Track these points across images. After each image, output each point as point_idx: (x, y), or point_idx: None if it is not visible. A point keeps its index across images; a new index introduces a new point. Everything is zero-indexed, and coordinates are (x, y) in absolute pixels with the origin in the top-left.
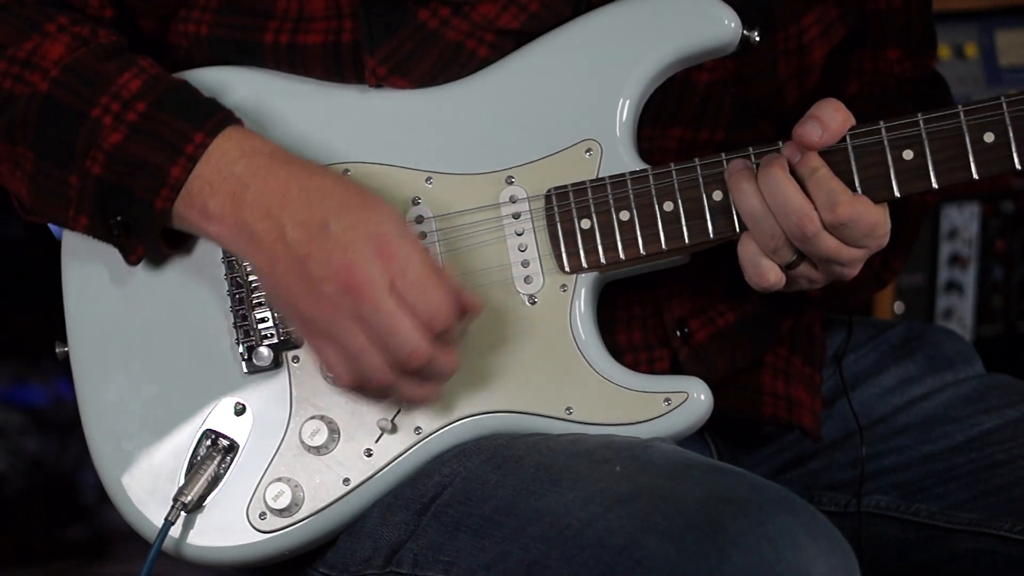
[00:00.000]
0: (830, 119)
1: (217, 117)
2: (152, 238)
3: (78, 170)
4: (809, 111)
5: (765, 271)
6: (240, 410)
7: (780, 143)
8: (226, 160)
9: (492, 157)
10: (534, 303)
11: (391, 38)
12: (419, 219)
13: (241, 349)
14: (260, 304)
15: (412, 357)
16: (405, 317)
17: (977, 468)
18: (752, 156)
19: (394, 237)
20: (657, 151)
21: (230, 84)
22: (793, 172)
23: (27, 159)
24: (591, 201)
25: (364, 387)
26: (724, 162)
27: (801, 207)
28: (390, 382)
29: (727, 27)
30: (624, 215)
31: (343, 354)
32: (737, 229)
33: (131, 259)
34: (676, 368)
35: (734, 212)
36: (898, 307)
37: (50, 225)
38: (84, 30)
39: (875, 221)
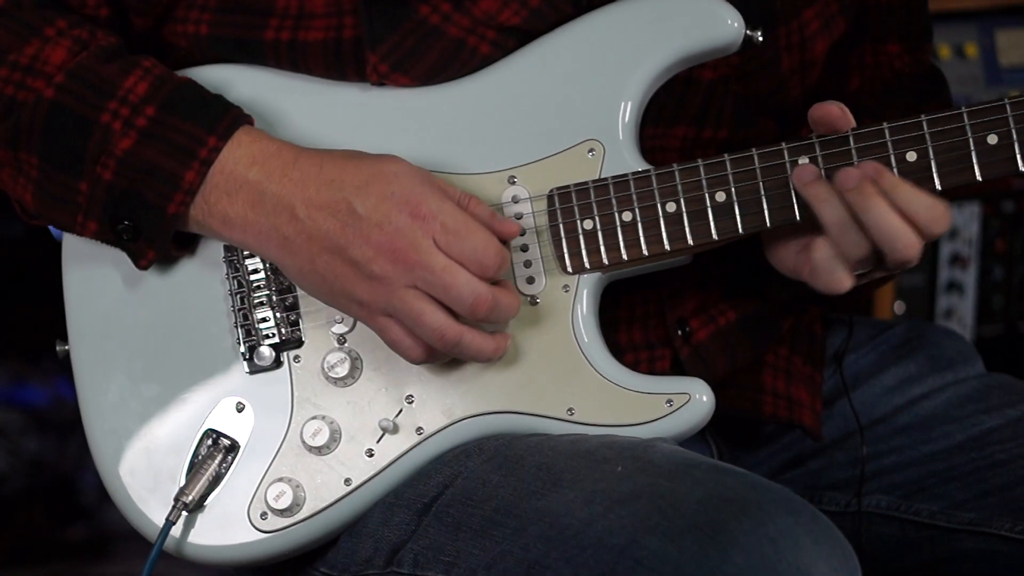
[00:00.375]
0: (844, 108)
1: (228, 119)
2: (164, 242)
3: (89, 176)
4: (821, 103)
5: (842, 279)
6: (241, 409)
7: (783, 144)
8: (239, 168)
9: (494, 157)
10: (536, 303)
11: (392, 34)
12: None
13: (242, 349)
14: (261, 304)
15: (478, 304)
16: (459, 269)
17: (977, 468)
18: (755, 157)
19: (422, 196)
20: (660, 150)
21: (231, 82)
22: None
23: (32, 165)
24: (593, 201)
25: (435, 354)
26: (727, 163)
27: (906, 236)
28: (459, 335)
29: (730, 27)
30: (627, 216)
31: (407, 328)
32: (740, 230)
33: (141, 263)
34: (677, 367)
35: (737, 212)
36: (898, 307)
37: (50, 227)
38: (83, 33)
39: None
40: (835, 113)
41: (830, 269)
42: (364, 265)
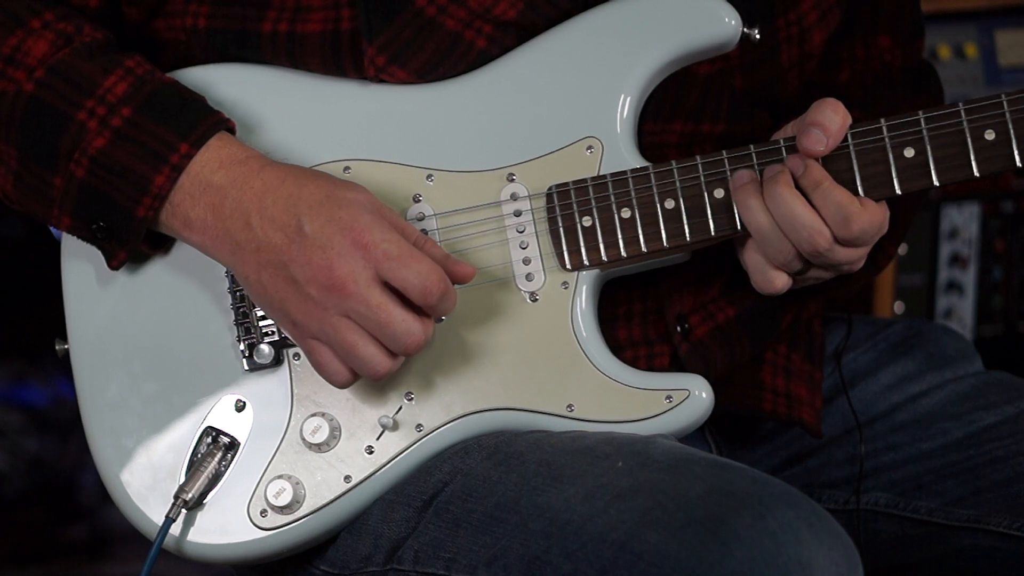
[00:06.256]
0: (830, 122)
1: (204, 125)
2: (134, 245)
3: (63, 172)
4: (809, 116)
5: (773, 279)
6: (241, 407)
7: (781, 141)
8: (205, 171)
9: (493, 154)
10: (535, 300)
11: (389, 26)
12: (420, 217)
13: (242, 346)
14: None
15: (410, 343)
16: (394, 305)
17: (975, 465)
18: (753, 154)
19: (366, 225)
20: (658, 146)
21: (229, 81)
22: (797, 185)
23: (11, 156)
24: (592, 199)
25: (359, 379)
26: (725, 160)
27: (811, 224)
28: (389, 369)
29: (727, 25)
30: (625, 213)
31: (336, 355)
32: (739, 227)
33: (112, 264)
34: (676, 364)
35: (736, 213)
36: (898, 307)
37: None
38: (69, 27)
39: (882, 219)
40: (818, 155)
41: (761, 270)
42: (302, 286)
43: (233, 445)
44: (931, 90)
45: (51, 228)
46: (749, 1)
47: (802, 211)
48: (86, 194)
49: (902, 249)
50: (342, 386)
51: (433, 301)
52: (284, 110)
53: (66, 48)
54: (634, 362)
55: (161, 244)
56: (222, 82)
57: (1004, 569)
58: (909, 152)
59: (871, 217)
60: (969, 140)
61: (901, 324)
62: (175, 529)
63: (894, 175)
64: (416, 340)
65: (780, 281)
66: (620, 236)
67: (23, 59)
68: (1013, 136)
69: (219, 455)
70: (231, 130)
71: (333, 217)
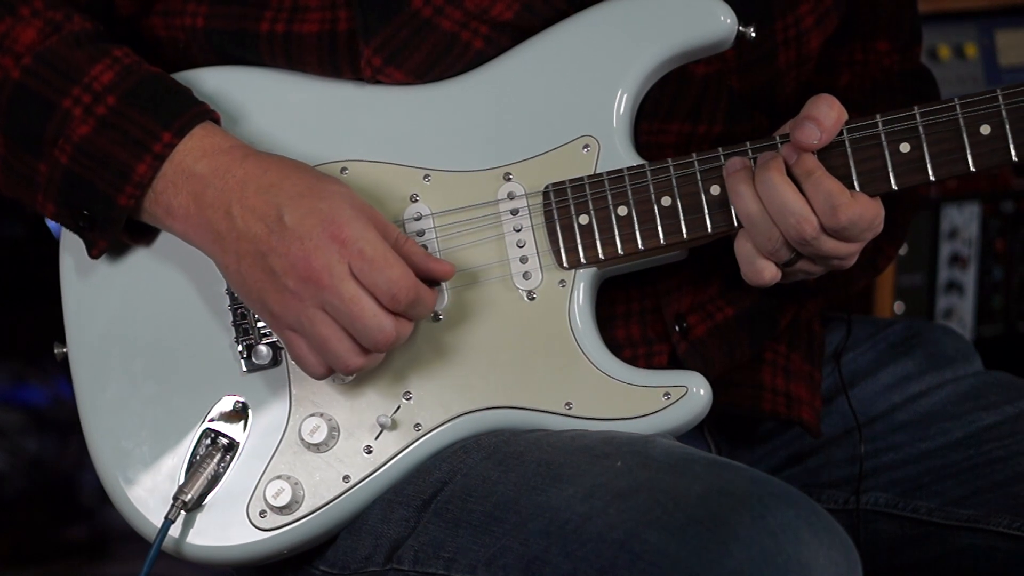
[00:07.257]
0: (825, 117)
1: (186, 116)
2: (114, 233)
3: (47, 158)
4: (804, 111)
5: (761, 269)
6: (240, 408)
7: (777, 138)
8: (188, 159)
9: (490, 154)
10: (533, 299)
11: (385, 26)
12: (417, 216)
13: (240, 347)
14: None
15: (380, 339)
16: (367, 300)
17: (975, 464)
18: (750, 151)
19: (346, 220)
20: (655, 145)
21: (227, 83)
22: (789, 173)
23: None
24: (589, 197)
25: (335, 371)
26: (721, 157)
27: (799, 211)
28: (360, 365)
29: (723, 23)
30: (622, 210)
31: (312, 345)
32: (735, 224)
33: (92, 252)
34: (675, 363)
35: (732, 208)
36: (898, 307)
37: (49, 225)
38: (58, 15)
39: (874, 215)
40: (811, 147)
41: (749, 260)
42: (279, 276)
43: (232, 446)
44: (930, 95)
45: (51, 228)
46: (747, 3)
47: (791, 197)
48: (69, 181)
49: (902, 249)
50: (319, 378)
51: (400, 308)
52: (281, 112)
53: (54, 36)
54: (633, 361)
55: (143, 235)
56: (219, 84)
57: (1004, 569)
58: (905, 147)
59: (861, 210)
60: (965, 135)
61: (901, 324)
62: (174, 530)
63: (890, 170)
64: (387, 336)
65: (768, 272)
66: (617, 233)
67: (11, 46)
68: (1008, 130)
69: (218, 456)
70: (216, 121)
71: (314, 209)
